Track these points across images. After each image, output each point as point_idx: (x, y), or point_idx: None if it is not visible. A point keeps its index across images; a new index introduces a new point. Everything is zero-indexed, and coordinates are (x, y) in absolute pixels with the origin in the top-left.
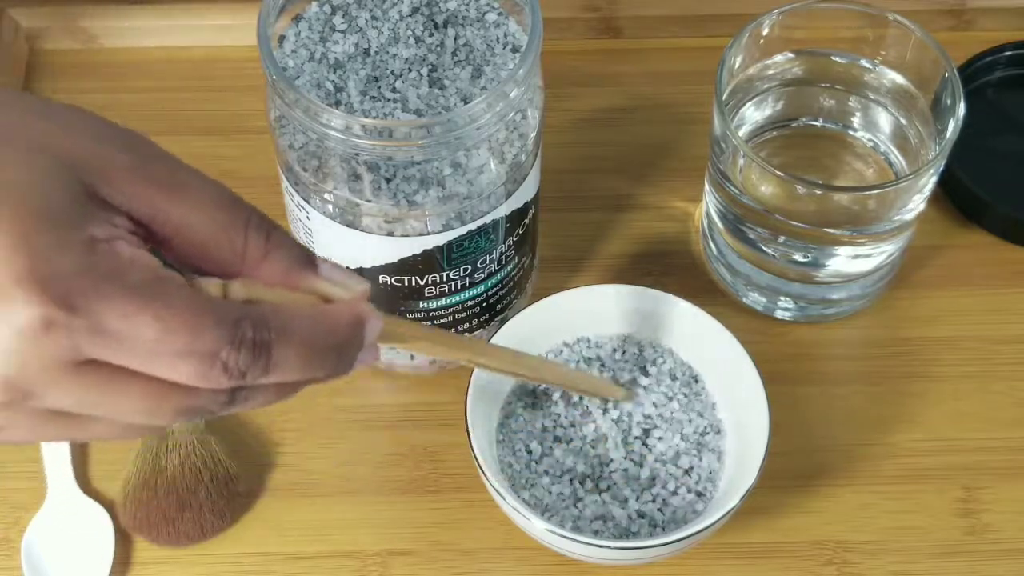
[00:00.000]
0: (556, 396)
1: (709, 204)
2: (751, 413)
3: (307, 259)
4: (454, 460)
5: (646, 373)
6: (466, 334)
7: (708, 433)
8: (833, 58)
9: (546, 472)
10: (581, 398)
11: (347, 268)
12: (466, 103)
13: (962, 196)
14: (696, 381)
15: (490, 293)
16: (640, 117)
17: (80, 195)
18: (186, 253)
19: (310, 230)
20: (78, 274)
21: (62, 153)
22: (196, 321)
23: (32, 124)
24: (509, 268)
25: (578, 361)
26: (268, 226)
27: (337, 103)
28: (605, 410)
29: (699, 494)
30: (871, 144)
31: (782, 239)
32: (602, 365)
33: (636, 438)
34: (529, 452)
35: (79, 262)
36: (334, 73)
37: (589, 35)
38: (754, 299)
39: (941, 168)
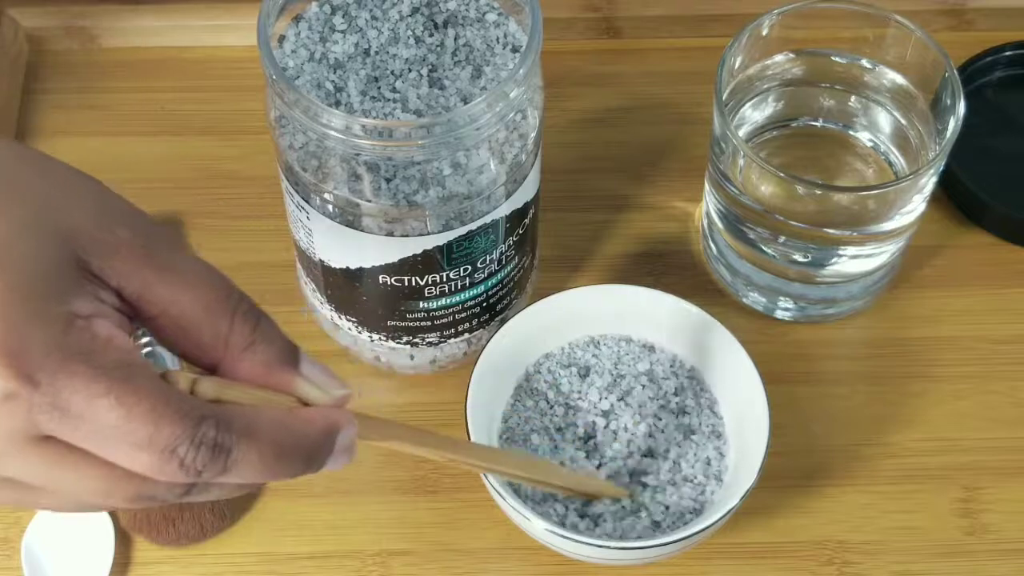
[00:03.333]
0: (555, 396)
1: (709, 204)
2: (751, 413)
3: (290, 355)
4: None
5: (645, 374)
6: (448, 434)
7: (708, 433)
8: (833, 58)
9: None
10: (582, 398)
11: (330, 371)
12: (466, 103)
13: (962, 196)
14: (696, 381)
15: (490, 293)
16: (640, 117)
17: (70, 266)
18: (170, 334)
19: (310, 230)
20: (49, 349)
21: (62, 222)
22: (159, 413)
23: (34, 186)
24: (509, 268)
25: (576, 362)
26: (256, 316)
27: (337, 103)
28: (605, 411)
29: (699, 494)
30: (871, 144)
31: (782, 239)
32: (601, 366)
33: (636, 438)
34: (529, 451)
35: (52, 337)
36: (334, 73)
37: (589, 35)
38: (754, 299)
39: (941, 168)
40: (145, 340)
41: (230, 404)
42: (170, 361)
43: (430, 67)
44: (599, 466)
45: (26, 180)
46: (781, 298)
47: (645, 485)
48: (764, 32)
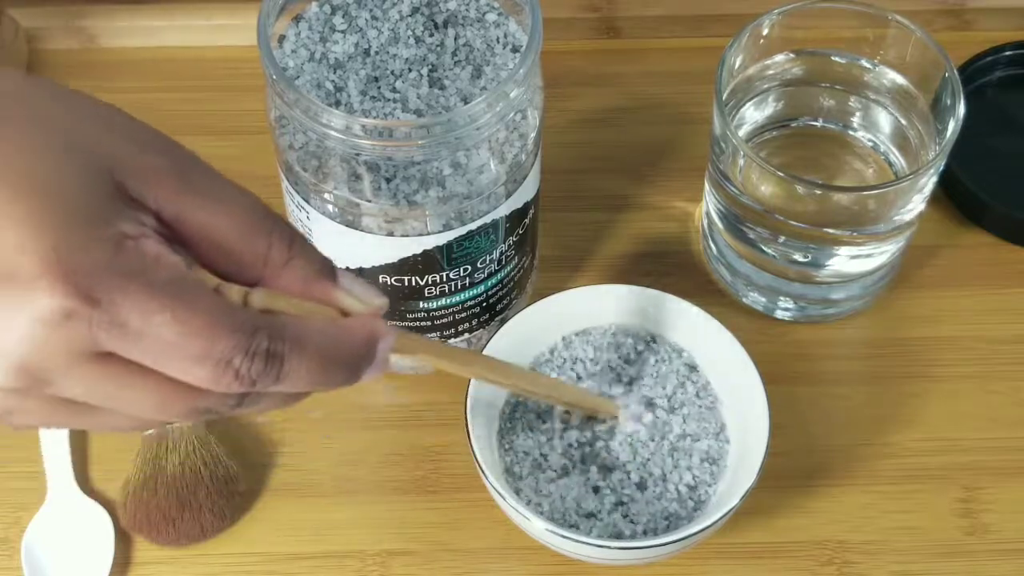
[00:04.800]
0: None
1: (709, 204)
2: (751, 413)
3: (328, 269)
4: (454, 460)
5: (646, 373)
6: (473, 348)
7: (708, 433)
8: (833, 58)
9: (546, 472)
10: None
11: (366, 282)
12: (466, 103)
13: (962, 196)
14: (696, 381)
15: (490, 293)
16: (640, 117)
17: (111, 192)
18: (209, 255)
19: (310, 230)
20: (103, 269)
21: (98, 149)
22: (214, 326)
23: (72, 119)
24: (509, 268)
25: (576, 362)
26: (291, 234)
27: (337, 103)
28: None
29: (699, 494)
30: (871, 144)
31: (782, 239)
32: (602, 365)
33: (636, 438)
34: (529, 452)
35: (105, 257)
36: (334, 73)
37: (589, 35)
38: (754, 299)
39: (941, 168)
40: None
41: (279, 315)
42: None
43: (430, 67)
44: (599, 466)
45: (59, 112)
46: (781, 298)
47: (645, 481)
48: (764, 32)
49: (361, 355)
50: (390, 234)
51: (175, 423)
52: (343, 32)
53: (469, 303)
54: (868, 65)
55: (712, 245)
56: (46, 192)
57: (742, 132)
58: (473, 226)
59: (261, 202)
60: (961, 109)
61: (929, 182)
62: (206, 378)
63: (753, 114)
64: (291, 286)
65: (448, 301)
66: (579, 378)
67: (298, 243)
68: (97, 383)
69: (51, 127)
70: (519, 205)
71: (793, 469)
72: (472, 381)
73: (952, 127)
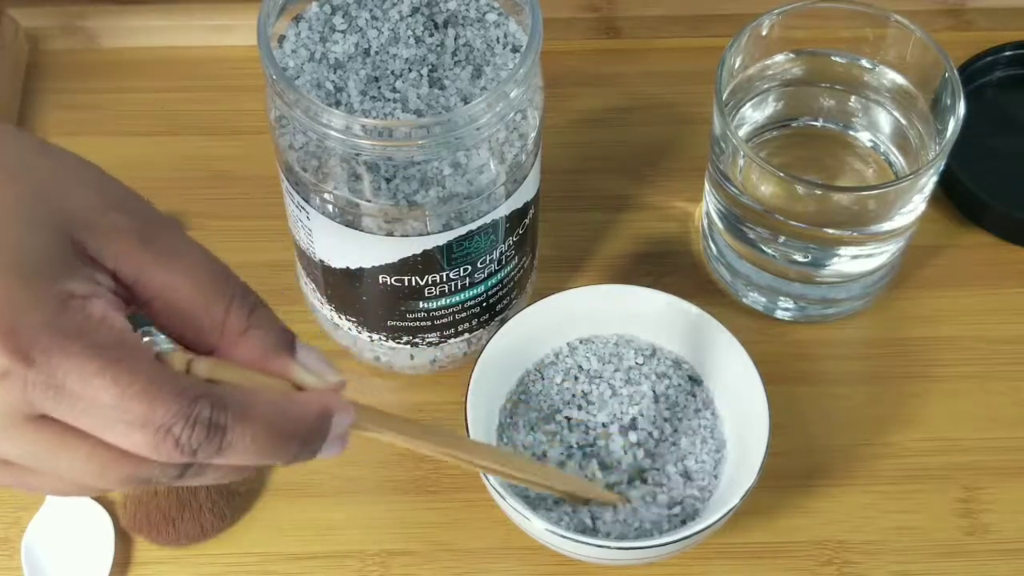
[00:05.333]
0: (555, 396)
1: (709, 204)
2: (751, 413)
3: (286, 342)
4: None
5: (645, 374)
6: (447, 428)
7: (708, 433)
8: (833, 58)
9: None
10: (581, 398)
11: (325, 359)
12: (466, 103)
13: (962, 196)
14: (696, 381)
15: (490, 293)
16: (640, 117)
17: (66, 248)
18: (166, 317)
19: (310, 230)
20: (44, 328)
21: (61, 205)
22: (154, 392)
23: (32, 169)
24: (509, 268)
25: (575, 361)
26: (252, 302)
27: (337, 103)
28: (605, 411)
29: (699, 494)
30: (871, 144)
31: (782, 239)
32: (600, 366)
33: (636, 438)
34: (529, 451)
35: (48, 316)
36: (334, 73)
37: (589, 35)
38: (754, 299)
39: (941, 168)
40: (143, 329)
41: (224, 384)
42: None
43: (430, 67)
44: (599, 466)
45: (25, 163)
46: (781, 298)
47: (645, 481)
48: (764, 32)
49: (313, 429)
50: (390, 234)
51: (115, 490)
52: (343, 32)
53: (469, 303)
54: (868, 65)
55: (712, 245)
56: None
57: (742, 132)
58: (473, 226)
59: (225, 267)
60: (961, 109)
61: (929, 182)
62: (145, 445)
63: (753, 114)
64: (247, 357)
65: (448, 301)
66: (579, 377)
67: (258, 312)
68: (32, 446)
69: (13, 177)
70: (519, 205)
71: (793, 469)
72: (472, 381)
73: (952, 127)
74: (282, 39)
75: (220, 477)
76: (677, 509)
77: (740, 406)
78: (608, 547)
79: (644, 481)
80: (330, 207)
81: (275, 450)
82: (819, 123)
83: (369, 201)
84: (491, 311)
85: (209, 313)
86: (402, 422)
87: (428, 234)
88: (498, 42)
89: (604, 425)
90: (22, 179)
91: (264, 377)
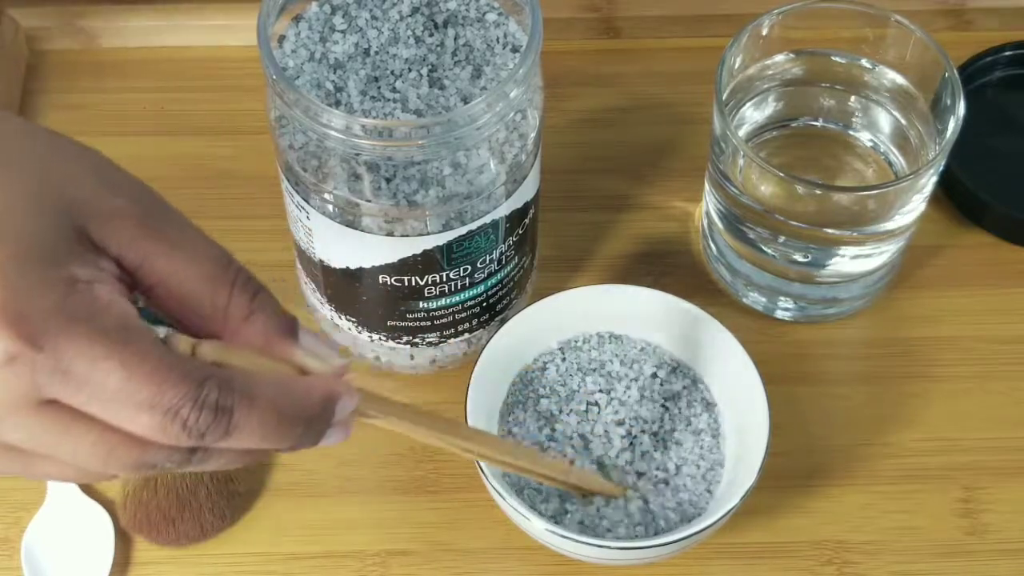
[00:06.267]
0: (555, 396)
1: (709, 204)
2: (751, 413)
3: (288, 327)
4: (454, 460)
5: (646, 374)
6: (450, 416)
7: (708, 433)
8: (833, 58)
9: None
10: (581, 398)
11: (328, 342)
12: (466, 103)
13: (962, 196)
14: (696, 381)
15: (490, 293)
16: (640, 117)
17: (69, 234)
18: (169, 303)
19: (310, 230)
20: (50, 313)
21: (64, 192)
22: (161, 375)
23: (35, 157)
24: (509, 268)
25: (574, 361)
26: (255, 287)
27: (337, 103)
28: (605, 411)
29: (699, 494)
30: (871, 144)
31: (782, 239)
32: (601, 366)
33: (636, 438)
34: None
35: (54, 301)
36: (334, 73)
37: (589, 35)
38: (754, 299)
39: (941, 168)
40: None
41: (230, 367)
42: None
43: (430, 67)
44: (599, 466)
45: (27, 151)
46: (781, 298)
47: (642, 474)
48: (764, 32)
49: (316, 413)
50: (390, 234)
51: (121, 475)
52: (343, 32)
53: (469, 303)
54: (868, 65)
55: (712, 245)
56: (2, 233)
57: (742, 132)
58: (473, 226)
59: (223, 251)
60: (961, 109)
61: (929, 182)
62: (153, 428)
63: (753, 114)
64: (251, 341)
65: (448, 301)
66: (579, 377)
67: (260, 297)
68: (39, 431)
69: (16, 165)
70: (519, 205)
71: (793, 469)
72: (472, 381)
73: (952, 127)
74: (282, 39)
75: (225, 463)
76: (677, 509)
77: (740, 406)
78: (608, 547)
79: (644, 481)
80: (330, 207)
81: (280, 433)
82: (819, 123)
83: (369, 201)
84: (491, 311)
85: (212, 299)
86: (405, 409)
87: (428, 234)
88: (498, 42)
89: (604, 425)
90: (24, 166)
91: (268, 361)
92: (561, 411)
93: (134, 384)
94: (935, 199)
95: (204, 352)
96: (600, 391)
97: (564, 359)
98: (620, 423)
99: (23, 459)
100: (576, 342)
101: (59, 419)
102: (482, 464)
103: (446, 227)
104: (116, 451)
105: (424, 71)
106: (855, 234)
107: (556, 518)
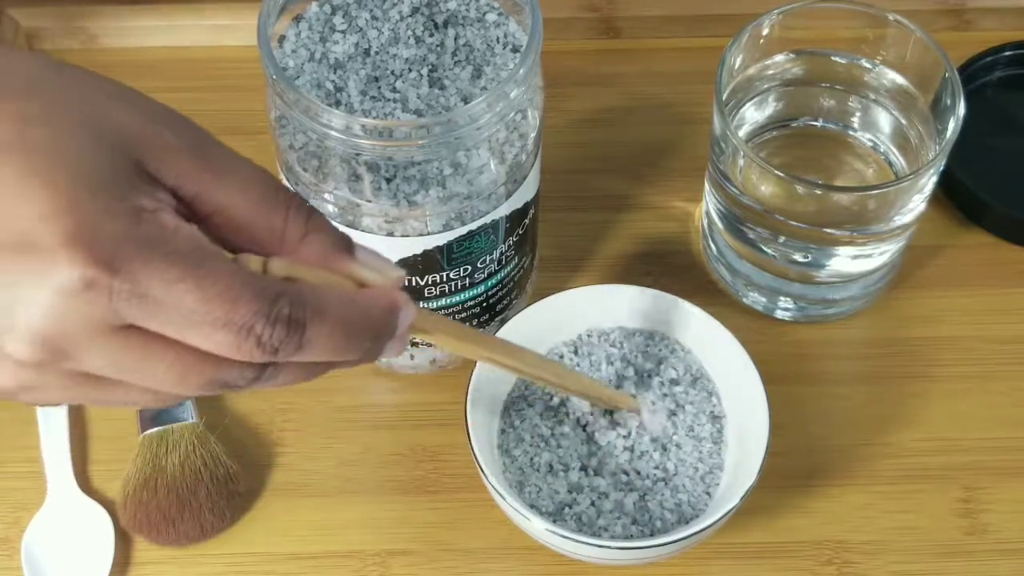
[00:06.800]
0: (555, 396)
1: (709, 204)
2: (751, 413)
3: (345, 244)
4: (454, 460)
5: (646, 373)
6: (491, 333)
7: (708, 433)
8: (833, 58)
9: (546, 471)
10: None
11: (383, 256)
12: (466, 103)
13: (962, 196)
14: (696, 381)
15: (490, 293)
16: (640, 117)
17: (128, 167)
18: (226, 232)
19: None
20: (123, 239)
21: (116, 127)
22: (235, 293)
23: (92, 97)
24: (509, 268)
25: (578, 360)
26: (308, 210)
27: (337, 103)
28: (605, 410)
29: (699, 494)
30: (871, 144)
31: (782, 239)
32: (601, 365)
33: (636, 438)
34: (529, 451)
35: (124, 228)
36: (334, 73)
37: (589, 35)
38: (754, 299)
39: (941, 168)
40: None
41: (299, 282)
42: None
43: (430, 67)
44: (599, 465)
45: (81, 92)
46: (781, 298)
47: (644, 480)
48: (764, 32)
49: (383, 324)
50: (390, 234)
51: (194, 396)
52: (343, 32)
53: (469, 303)
54: (868, 65)
55: (712, 245)
56: (67, 166)
57: (742, 132)
58: (473, 226)
59: (274, 178)
60: (961, 109)
61: (929, 182)
62: (228, 344)
63: (753, 114)
64: (309, 260)
65: (448, 301)
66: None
67: (315, 218)
68: (118, 355)
69: (73, 106)
70: (519, 205)
71: (793, 469)
72: (472, 381)
73: (952, 127)
74: (282, 39)
75: (293, 379)
76: (676, 509)
77: (740, 406)
78: (608, 547)
79: (644, 481)
80: (330, 207)
81: (349, 344)
82: (819, 123)
83: (369, 201)
84: (491, 311)
85: (268, 223)
86: (454, 325)
87: (428, 234)
88: (498, 42)
89: (604, 425)
90: (75, 104)
91: (331, 276)
92: (561, 411)
93: (208, 304)
94: (935, 199)
95: (274, 269)
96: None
97: (564, 359)
98: (620, 422)
99: (102, 386)
100: (576, 342)
101: (137, 342)
102: (482, 464)
103: (446, 227)
104: (192, 370)
105: (424, 71)
106: (855, 234)
107: (555, 516)
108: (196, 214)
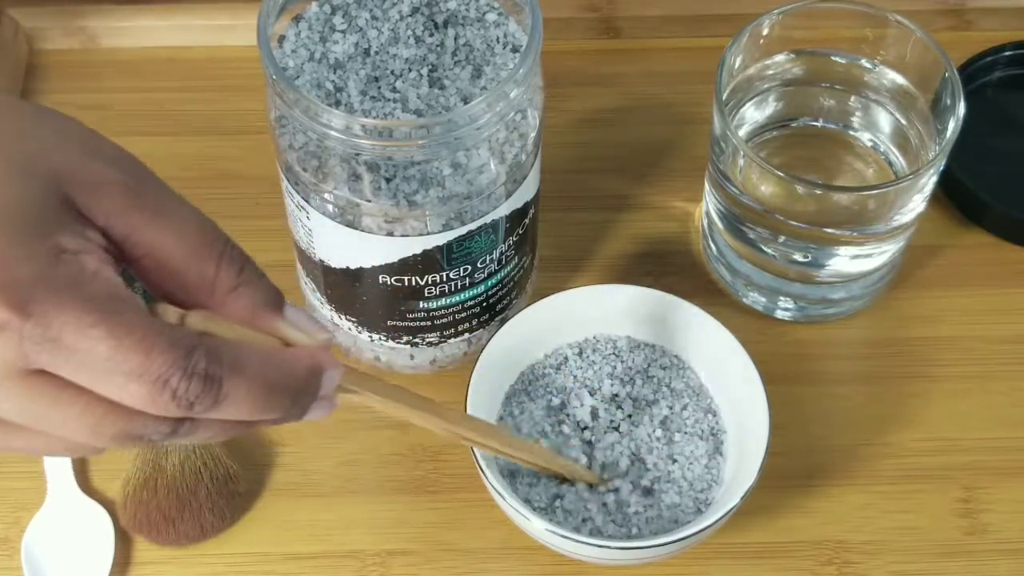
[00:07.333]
0: (555, 396)
1: (709, 204)
2: (751, 413)
3: (274, 300)
4: (454, 460)
5: (646, 373)
6: (437, 400)
7: (708, 433)
8: (833, 58)
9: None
10: (581, 398)
11: (313, 317)
12: (466, 103)
13: (962, 196)
14: (696, 381)
15: (490, 293)
16: (640, 117)
17: (56, 205)
18: (156, 276)
19: (310, 230)
20: (38, 281)
21: (50, 162)
22: (150, 343)
23: (28, 131)
24: (509, 268)
25: (576, 361)
26: (242, 261)
27: (337, 103)
28: (605, 411)
29: (699, 494)
30: (871, 144)
31: (782, 239)
32: (601, 365)
33: (635, 438)
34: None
35: (41, 269)
36: (334, 73)
37: (589, 35)
38: (754, 299)
39: (941, 168)
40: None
41: (218, 337)
42: None
43: (430, 67)
44: (599, 466)
45: (10, 123)
46: (781, 298)
47: (644, 480)
48: (764, 32)
49: (304, 384)
50: (390, 234)
51: (107, 447)
52: (343, 32)
53: (469, 303)
54: (868, 65)
55: (712, 245)
56: None
57: (742, 132)
58: (473, 226)
59: (214, 224)
60: (961, 109)
61: (929, 182)
62: (142, 396)
63: (753, 114)
64: (236, 314)
65: (448, 301)
66: (579, 377)
67: (248, 270)
68: (27, 401)
69: (3, 142)
70: (519, 205)
71: (793, 469)
72: (473, 380)
73: (952, 127)
74: (282, 39)
75: (211, 436)
76: (677, 509)
77: (740, 406)
78: (608, 547)
79: (644, 481)
80: (330, 207)
81: (269, 404)
82: (819, 123)
83: (369, 201)
84: (491, 311)
85: (199, 270)
86: (386, 386)
87: (428, 234)
88: (498, 42)
89: (604, 425)
90: (8, 137)
91: (253, 333)
92: (561, 411)
93: (123, 353)
94: (935, 199)
95: (192, 322)
96: (600, 391)
97: (564, 359)
98: (619, 423)
99: (10, 432)
100: (576, 342)
101: (47, 389)
102: (482, 464)
103: (446, 227)
104: (104, 421)
105: (424, 71)
106: (855, 234)
107: (548, 512)
108: (127, 255)
